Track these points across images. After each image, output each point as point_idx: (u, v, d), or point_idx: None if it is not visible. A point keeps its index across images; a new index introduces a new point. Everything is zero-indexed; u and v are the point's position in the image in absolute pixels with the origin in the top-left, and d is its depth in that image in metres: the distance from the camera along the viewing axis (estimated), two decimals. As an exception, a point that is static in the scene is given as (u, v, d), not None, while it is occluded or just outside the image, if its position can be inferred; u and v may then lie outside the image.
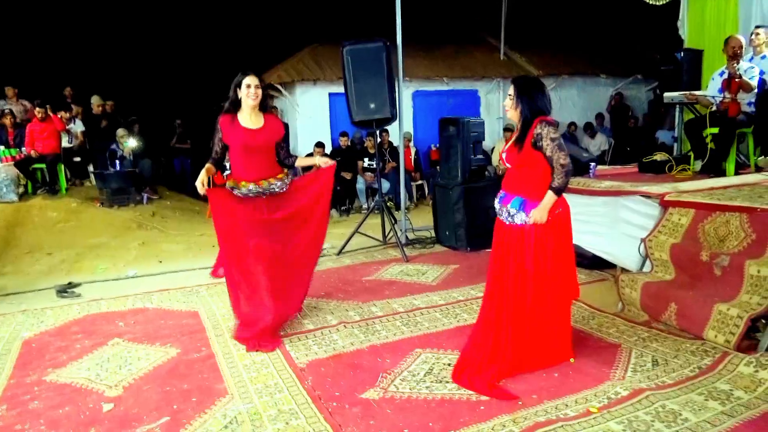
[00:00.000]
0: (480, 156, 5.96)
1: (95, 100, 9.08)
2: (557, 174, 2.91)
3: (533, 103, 2.94)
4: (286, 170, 3.84)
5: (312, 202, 3.94)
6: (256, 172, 3.65)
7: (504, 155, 3.13)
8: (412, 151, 9.55)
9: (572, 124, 10.78)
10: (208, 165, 3.62)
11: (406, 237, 6.21)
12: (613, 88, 11.44)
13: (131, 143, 8.37)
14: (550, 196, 2.93)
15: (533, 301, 3.04)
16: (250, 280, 3.69)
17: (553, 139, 2.88)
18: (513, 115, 3.06)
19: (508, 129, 9.26)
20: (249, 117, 3.63)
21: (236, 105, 3.62)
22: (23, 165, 7.65)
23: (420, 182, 9.48)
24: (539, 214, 2.93)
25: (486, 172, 6.29)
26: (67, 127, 8.35)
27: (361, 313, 4.15)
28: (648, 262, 4.12)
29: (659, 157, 5.57)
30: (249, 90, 3.55)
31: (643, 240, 4.12)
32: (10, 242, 6.43)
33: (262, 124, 3.67)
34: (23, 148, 7.83)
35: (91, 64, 11.30)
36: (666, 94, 6.29)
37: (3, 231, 6.68)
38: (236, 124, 3.61)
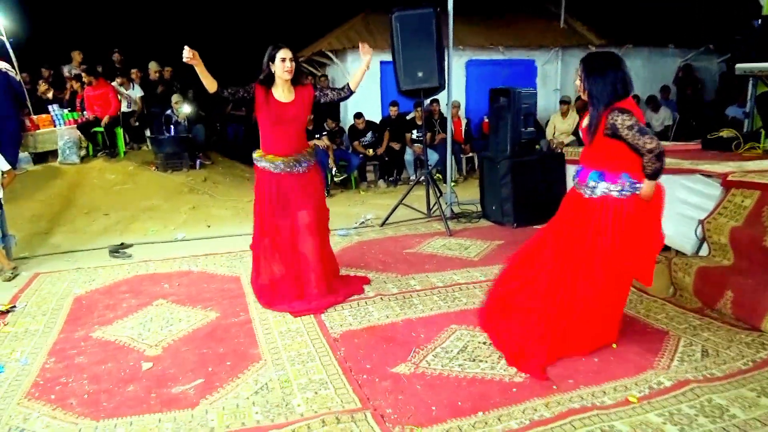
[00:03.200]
0: (531, 129, 5.73)
1: (153, 66, 9.27)
2: (647, 160, 2.71)
3: (604, 86, 2.73)
4: (311, 144, 3.89)
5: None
6: (285, 145, 3.64)
7: (580, 133, 2.99)
8: (463, 122, 9.31)
9: (634, 97, 10.20)
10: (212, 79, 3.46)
11: (452, 210, 6.09)
12: (681, 59, 10.75)
13: (185, 109, 8.52)
14: (648, 185, 2.76)
15: (599, 280, 2.90)
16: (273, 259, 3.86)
17: (630, 127, 2.67)
18: (585, 95, 2.88)
19: (564, 101, 8.88)
20: (282, 91, 3.60)
21: (269, 79, 3.57)
22: (85, 128, 7.94)
23: (470, 155, 9.26)
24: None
25: (537, 146, 6.05)
26: (125, 92, 8.57)
27: (399, 285, 4.11)
28: (705, 246, 3.88)
29: (726, 133, 5.19)
30: (284, 63, 3.49)
31: (701, 222, 3.87)
32: (71, 202, 6.72)
33: (294, 97, 3.63)
34: (85, 112, 8.11)
35: (150, 29, 11.55)
36: (738, 66, 5.82)
37: (65, 191, 6.99)
38: (270, 97, 3.58)
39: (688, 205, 4.11)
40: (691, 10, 10.65)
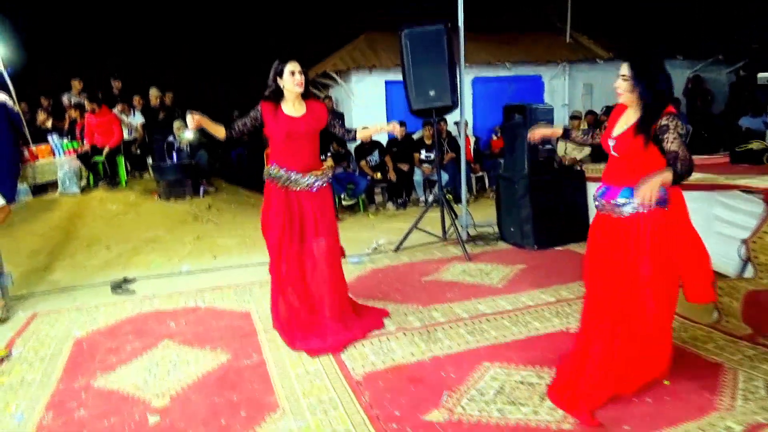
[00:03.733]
0: (549, 146, 5.50)
1: (153, 92, 9.10)
2: (680, 162, 2.44)
3: (656, 86, 2.53)
4: (326, 165, 3.75)
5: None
6: (298, 160, 3.43)
7: (611, 143, 2.72)
8: (471, 140, 9.11)
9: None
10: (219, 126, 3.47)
11: (467, 233, 5.83)
12: (690, 70, 10.58)
13: (187, 135, 8.32)
14: (666, 175, 2.40)
15: (647, 305, 2.65)
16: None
17: (680, 135, 2.48)
18: (628, 99, 2.65)
19: (575, 117, 8.67)
20: (293, 105, 3.41)
21: (278, 94, 3.38)
22: (85, 158, 7.73)
23: (480, 174, 9.03)
24: (648, 188, 2.38)
25: (554, 164, 5.82)
26: (126, 119, 8.39)
27: (421, 318, 3.84)
28: (750, 267, 3.61)
29: (756, 145, 4.96)
30: (293, 77, 3.30)
31: (744, 241, 3.61)
32: (71, 234, 6.47)
33: (305, 111, 3.44)
34: (84, 141, 7.91)
35: (149, 55, 11.44)
36: (761, 75, 5.62)
37: (65, 223, 6.75)
38: (280, 113, 3.38)
39: (727, 223, 3.86)
40: (698, 21, 10.52)
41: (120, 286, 4.88)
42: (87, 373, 3.30)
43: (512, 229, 5.61)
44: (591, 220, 2.97)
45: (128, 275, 5.22)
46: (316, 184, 3.48)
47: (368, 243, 5.99)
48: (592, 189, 5.62)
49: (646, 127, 2.55)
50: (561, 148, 8.78)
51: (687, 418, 2.48)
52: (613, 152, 2.73)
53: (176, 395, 2.97)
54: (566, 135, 3.25)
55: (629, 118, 2.68)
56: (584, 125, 8.71)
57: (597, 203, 2.82)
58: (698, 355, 3.11)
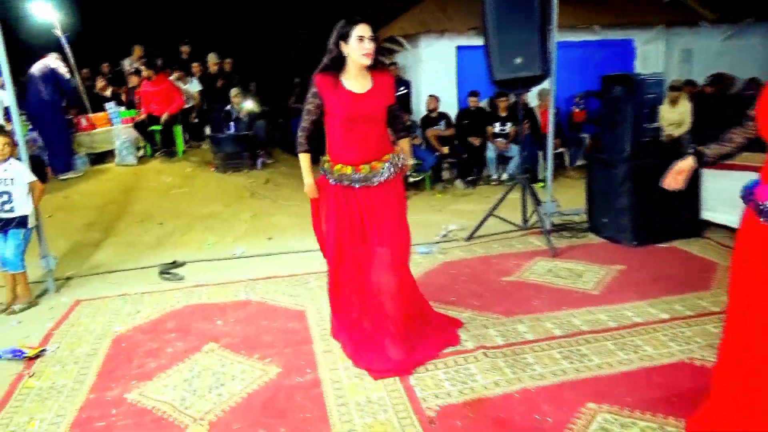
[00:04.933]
0: (656, 124, 4.66)
1: (212, 58, 8.69)
2: None
3: None
4: (396, 148, 2.93)
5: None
6: (359, 151, 2.77)
7: None
8: (551, 113, 8.21)
9: (753, 80, 8.77)
10: (305, 158, 2.87)
11: (551, 222, 5.11)
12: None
13: (247, 105, 7.91)
14: None
15: None
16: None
17: None
18: None
19: (674, 88, 7.62)
20: (356, 78, 2.73)
21: (339, 63, 2.70)
22: (141, 126, 7.46)
23: (560, 150, 8.17)
24: None
25: (661, 145, 4.97)
26: (182, 87, 8.04)
27: (504, 333, 3.23)
28: None
29: None
30: (362, 44, 2.62)
31: None
32: (125, 208, 6.23)
33: (371, 86, 2.75)
34: (141, 109, 7.63)
35: (209, 20, 11.06)
36: None
37: (121, 196, 6.52)
38: (340, 87, 2.71)
39: None
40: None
41: (169, 270, 4.53)
42: (122, 380, 2.91)
43: (605, 221, 4.85)
44: (706, 213, 2.19)
45: (178, 257, 4.87)
46: (384, 174, 2.82)
47: (437, 228, 5.39)
48: (708, 177, 4.79)
49: None
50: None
51: None
52: None
53: (216, 420, 2.52)
54: (702, 160, 2.19)
55: None
56: (684, 98, 7.66)
57: (747, 201, 2.07)
58: None
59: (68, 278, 4.53)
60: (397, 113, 2.96)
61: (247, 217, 6.02)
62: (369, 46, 2.62)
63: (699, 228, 4.78)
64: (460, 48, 8.65)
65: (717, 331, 3.10)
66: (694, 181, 4.67)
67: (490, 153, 7.77)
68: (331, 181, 2.84)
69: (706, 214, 4.81)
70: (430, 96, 8.07)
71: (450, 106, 8.41)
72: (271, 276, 4.36)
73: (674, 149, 5.54)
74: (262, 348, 3.19)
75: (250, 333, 3.41)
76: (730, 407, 2.15)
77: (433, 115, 7.96)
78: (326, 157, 2.87)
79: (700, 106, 7.74)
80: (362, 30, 2.62)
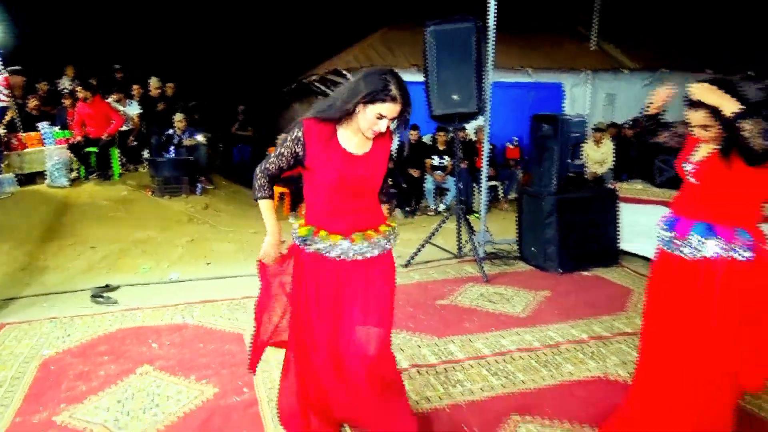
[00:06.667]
0: (580, 161, 5.04)
1: (154, 82, 8.64)
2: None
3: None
4: (388, 220, 2.34)
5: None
6: (350, 219, 2.21)
7: (688, 167, 2.27)
8: (485, 148, 8.62)
9: (665, 124, 9.54)
10: (269, 206, 2.29)
11: (484, 251, 5.36)
12: (718, 85, 10.10)
13: (197, 137, 7.83)
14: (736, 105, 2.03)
15: (711, 364, 2.23)
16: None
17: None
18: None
19: (598, 129, 8.20)
20: (355, 134, 2.17)
21: (345, 116, 2.14)
22: (76, 148, 7.27)
23: (494, 183, 8.56)
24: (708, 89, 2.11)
25: (584, 180, 5.35)
26: (121, 109, 7.92)
27: (437, 352, 3.38)
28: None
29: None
30: (378, 121, 2.08)
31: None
32: (56, 231, 6.01)
33: (370, 149, 2.20)
34: (75, 130, 7.45)
35: (151, 44, 10.98)
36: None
37: (51, 218, 6.29)
38: (334, 143, 2.15)
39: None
40: (730, 35, 10.05)
41: (101, 294, 4.41)
42: (50, 403, 2.84)
43: (534, 249, 5.15)
44: (623, 243, 2.50)
45: (112, 281, 4.76)
46: (374, 249, 2.24)
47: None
48: (624, 211, 5.20)
49: (728, 146, 2.10)
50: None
51: None
52: (690, 179, 2.27)
53: (150, 441, 2.51)
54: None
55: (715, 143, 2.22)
56: (607, 138, 8.26)
57: (664, 236, 2.36)
58: (762, 418, 2.65)
59: (-8, 302, 4.34)
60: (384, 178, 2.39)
61: (184, 243, 5.94)
62: (383, 127, 2.11)
63: (617, 257, 5.16)
64: (403, 83, 8.98)
65: (629, 349, 3.37)
66: (613, 214, 5.08)
67: (429, 184, 8.04)
68: (307, 249, 2.25)
69: (623, 245, 5.20)
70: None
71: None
72: (209, 300, 4.35)
73: (597, 185, 5.92)
74: (199, 369, 3.19)
75: (186, 355, 3.39)
76: (641, 414, 2.39)
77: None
78: (300, 221, 2.31)
79: (621, 147, 8.36)
80: (389, 110, 2.07)
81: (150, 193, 7.22)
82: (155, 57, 10.28)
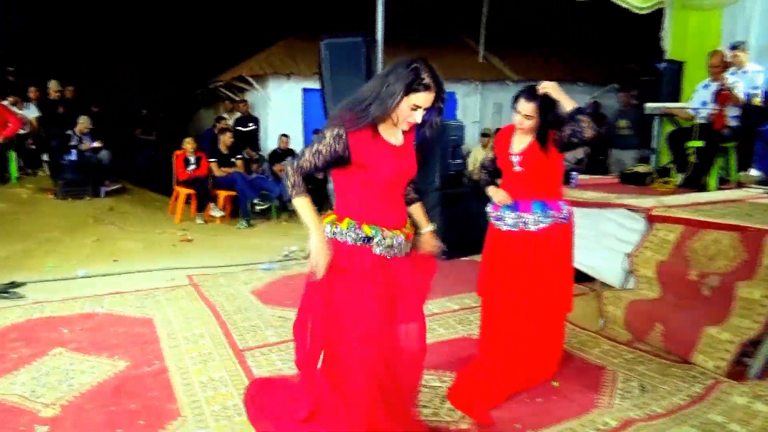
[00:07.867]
0: (459, 161, 5.74)
1: (53, 85, 8.54)
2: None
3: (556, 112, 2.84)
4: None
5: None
6: (394, 212, 2.20)
7: (515, 159, 2.94)
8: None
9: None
10: (308, 204, 2.12)
11: (379, 242, 5.93)
12: (589, 95, 11.40)
13: (94, 144, 7.84)
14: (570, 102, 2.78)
15: (543, 313, 2.99)
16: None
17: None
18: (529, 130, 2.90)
19: (485, 134, 9.10)
20: (392, 130, 2.15)
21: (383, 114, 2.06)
22: (-31, 151, 7.12)
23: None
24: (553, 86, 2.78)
25: (463, 178, 6.08)
26: (18, 112, 7.80)
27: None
28: (632, 279, 3.96)
29: (641, 168, 5.46)
30: (416, 113, 2.06)
31: (628, 255, 3.96)
32: (-49, 234, 5.93)
33: (404, 141, 2.20)
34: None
35: (51, 46, 10.73)
36: (647, 105, 6.20)
37: (-56, 222, 6.17)
38: (379, 139, 2.11)
39: (615, 238, 4.21)
40: (599, 51, 11.39)
41: (6, 290, 4.52)
42: (-35, 383, 3.04)
43: (422, 239, 5.79)
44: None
45: (17, 279, 4.85)
46: (407, 248, 2.27)
47: (280, 250, 5.95)
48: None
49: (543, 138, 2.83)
50: (471, 163, 9.19)
51: (571, 416, 2.69)
52: (517, 168, 2.93)
53: (68, 404, 2.81)
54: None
55: (526, 134, 2.90)
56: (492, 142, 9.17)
57: (503, 220, 3.00)
58: (584, 358, 3.37)
59: None
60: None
61: (90, 243, 6.06)
62: (419, 117, 2.08)
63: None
64: (305, 90, 9.47)
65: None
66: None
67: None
68: (374, 250, 2.13)
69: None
70: (283, 135, 8.78)
71: (297, 143, 9.11)
72: (117, 292, 4.58)
73: (475, 182, 6.67)
74: (110, 348, 3.47)
75: (97, 338, 3.65)
76: (488, 356, 3.03)
77: (280, 151, 8.64)
78: (352, 223, 2.13)
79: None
80: (424, 99, 2.04)
81: (51, 195, 7.20)
82: (52, 59, 10.08)
